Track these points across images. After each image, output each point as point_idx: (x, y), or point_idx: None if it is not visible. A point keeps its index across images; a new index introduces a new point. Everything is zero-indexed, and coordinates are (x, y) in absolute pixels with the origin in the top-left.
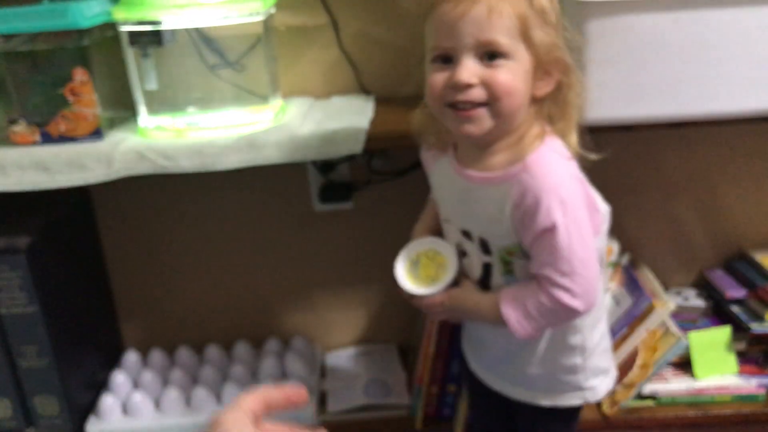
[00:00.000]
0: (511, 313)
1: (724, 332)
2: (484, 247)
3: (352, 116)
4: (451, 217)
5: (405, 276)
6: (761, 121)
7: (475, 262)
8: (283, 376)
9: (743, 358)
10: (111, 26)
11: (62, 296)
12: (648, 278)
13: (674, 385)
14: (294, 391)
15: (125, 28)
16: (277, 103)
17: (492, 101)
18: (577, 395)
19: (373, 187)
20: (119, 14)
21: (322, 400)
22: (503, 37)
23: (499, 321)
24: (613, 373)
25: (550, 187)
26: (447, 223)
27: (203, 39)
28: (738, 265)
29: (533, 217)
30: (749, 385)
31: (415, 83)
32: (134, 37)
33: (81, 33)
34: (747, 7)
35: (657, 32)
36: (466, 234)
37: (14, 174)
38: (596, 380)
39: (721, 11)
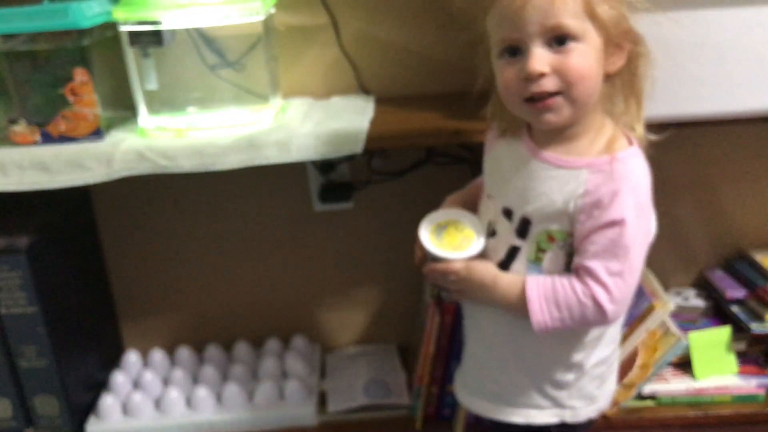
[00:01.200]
0: (535, 296)
1: (724, 332)
2: (522, 229)
3: (352, 116)
4: (496, 194)
5: (428, 237)
6: (761, 121)
7: (502, 243)
8: (283, 376)
9: (743, 358)
10: (111, 26)
11: (62, 296)
12: (648, 278)
13: (674, 385)
14: None
15: (125, 28)
16: (277, 103)
17: (566, 88)
18: (555, 412)
19: (373, 187)
20: (119, 14)
21: (322, 400)
22: (570, 18)
23: (517, 304)
24: (601, 405)
25: (632, 186)
26: (489, 199)
27: (203, 39)
28: (738, 265)
29: (605, 207)
30: (749, 385)
31: (415, 83)
32: (134, 37)
33: (81, 33)
34: (747, 7)
35: (656, 32)
36: (507, 212)
37: (14, 174)
38: (579, 402)
39: (722, 11)
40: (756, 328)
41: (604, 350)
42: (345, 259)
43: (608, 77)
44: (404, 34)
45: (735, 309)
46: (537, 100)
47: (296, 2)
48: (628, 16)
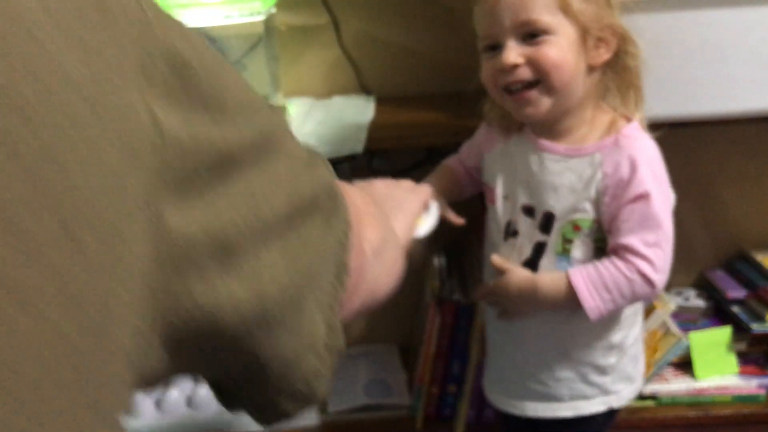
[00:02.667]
0: (582, 284)
1: (724, 333)
2: (546, 224)
3: (352, 116)
4: (512, 194)
5: None
6: (761, 121)
7: (527, 241)
8: None
9: (744, 358)
10: None
11: None
12: None
13: (675, 385)
14: None
15: None
16: (277, 102)
17: (541, 77)
18: (602, 400)
19: None
20: None
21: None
22: (540, 14)
23: (565, 299)
24: (638, 385)
25: (646, 159)
26: (505, 200)
27: (204, 39)
28: (738, 265)
29: (628, 184)
30: (749, 385)
31: (415, 83)
32: None
33: None
34: (747, 7)
35: (656, 33)
36: (528, 210)
37: None
38: (622, 384)
39: (722, 11)
40: (756, 328)
41: (636, 328)
42: None
43: (596, 70)
44: (404, 34)
45: (735, 309)
46: (514, 92)
47: (297, 2)
48: (611, 12)
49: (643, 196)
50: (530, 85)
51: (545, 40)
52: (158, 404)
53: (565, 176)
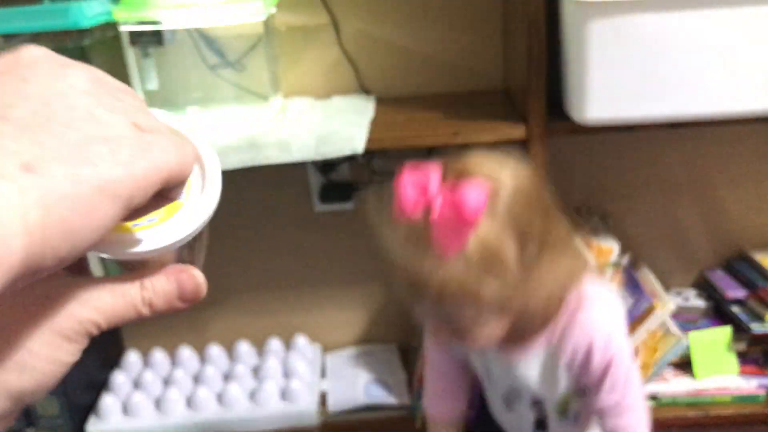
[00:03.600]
0: None
1: (724, 333)
2: (537, 405)
3: (352, 116)
4: (495, 379)
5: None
6: (761, 122)
7: (525, 415)
8: (283, 376)
9: (743, 358)
10: (112, 26)
11: None
12: (648, 279)
13: (674, 385)
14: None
15: (126, 28)
16: (277, 102)
17: None
18: None
19: (373, 187)
20: (120, 14)
21: (322, 400)
22: (459, 318)
23: None
24: None
25: (600, 332)
26: (490, 380)
27: (204, 39)
28: (738, 265)
29: (589, 358)
30: (749, 385)
31: (415, 83)
32: (135, 37)
33: (82, 33)
34: (747, 7)
35: (657, 32)
36: (516, 392)
37: None
38: None
39: (722, 11)
40: (756, 328)
41: None
42: (345, 259)
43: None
44: (404, 34)
45: (735, 309)
46: None
47: (297, 2)
48: (527, 278)
49: (609, 365)
50: None
51: (469, 331)
52: (158, 404)
53: (531, 366)
